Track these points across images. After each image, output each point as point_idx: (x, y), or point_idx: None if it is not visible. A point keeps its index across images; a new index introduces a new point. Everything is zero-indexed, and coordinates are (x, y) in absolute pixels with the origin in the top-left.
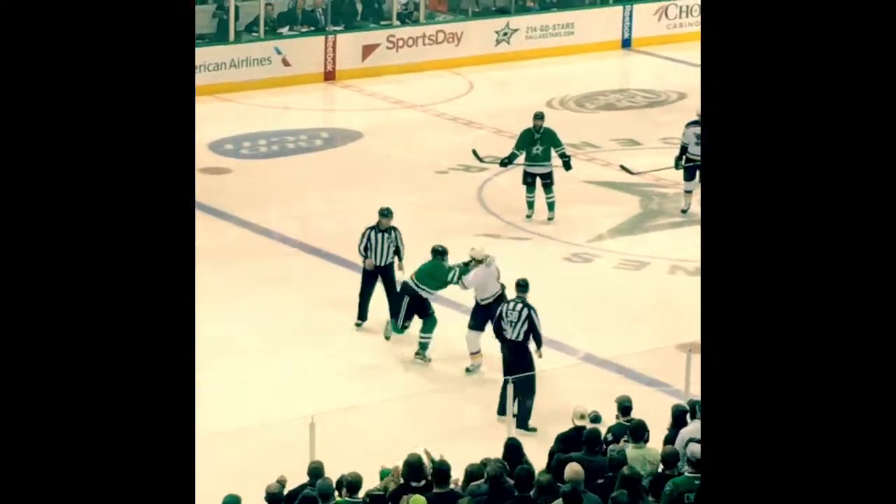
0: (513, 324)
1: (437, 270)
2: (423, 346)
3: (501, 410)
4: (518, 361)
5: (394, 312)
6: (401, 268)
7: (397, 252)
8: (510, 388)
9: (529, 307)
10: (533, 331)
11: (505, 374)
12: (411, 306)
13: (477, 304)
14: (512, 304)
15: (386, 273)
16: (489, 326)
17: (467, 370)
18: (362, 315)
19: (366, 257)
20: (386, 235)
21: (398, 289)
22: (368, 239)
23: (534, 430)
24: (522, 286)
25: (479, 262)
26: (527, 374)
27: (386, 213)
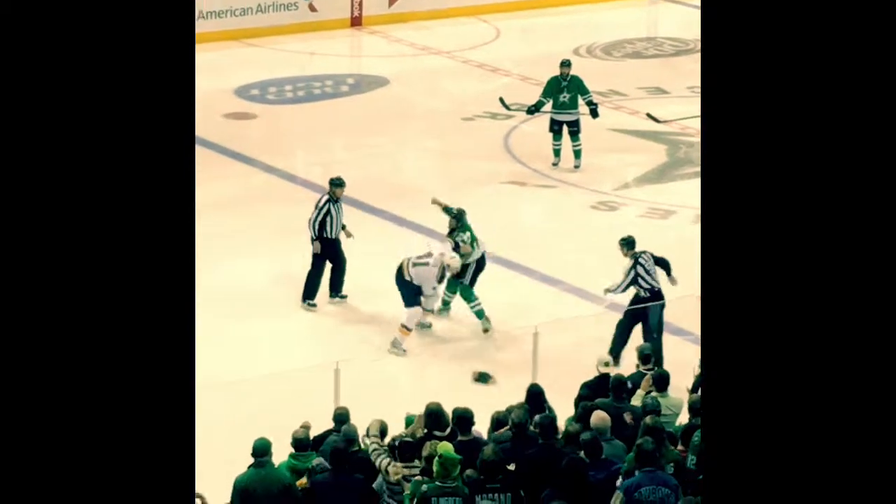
0: (652, 273)
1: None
2: (479, 314)
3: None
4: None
5: (335, 286)
6: (349, 235)
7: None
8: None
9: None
10: None
11: (628, 329)
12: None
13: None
14: (644, 258)
15: (337, 246)
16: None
17: (393, 343)
18: (312, 294)
19: (329, 232)
20: (340, 206)
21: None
22: (329, 213)
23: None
24: (633, 242)
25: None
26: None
27: (340, 183)
